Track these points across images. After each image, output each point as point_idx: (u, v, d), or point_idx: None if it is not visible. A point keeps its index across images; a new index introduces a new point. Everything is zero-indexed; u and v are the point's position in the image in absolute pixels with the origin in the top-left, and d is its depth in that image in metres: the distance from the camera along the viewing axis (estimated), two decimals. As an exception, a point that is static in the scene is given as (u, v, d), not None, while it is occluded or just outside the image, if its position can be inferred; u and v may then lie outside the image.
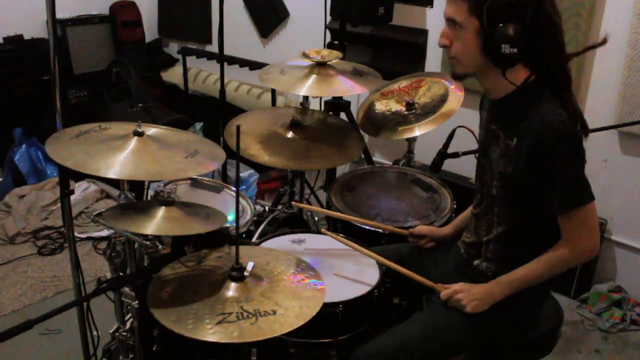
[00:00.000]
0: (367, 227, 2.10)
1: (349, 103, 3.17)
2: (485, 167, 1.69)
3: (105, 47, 4.32)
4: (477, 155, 2.18)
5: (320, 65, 2.27)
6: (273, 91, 3.86)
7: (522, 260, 1.61)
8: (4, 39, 3.90)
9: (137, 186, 2.23)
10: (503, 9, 1.45)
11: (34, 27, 3.99)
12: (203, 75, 4.47)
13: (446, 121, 2.28)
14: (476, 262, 1.73)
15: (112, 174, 1.51)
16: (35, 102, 3.86)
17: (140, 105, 3.69)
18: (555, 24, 1.51)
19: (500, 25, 1.44)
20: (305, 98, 2.50)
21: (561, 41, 1.53)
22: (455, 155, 2.29)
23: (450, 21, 1.54)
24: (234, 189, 2.30)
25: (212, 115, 3.60)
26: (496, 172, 1.61)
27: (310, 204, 3.03)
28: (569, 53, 1.56)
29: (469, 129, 2.18)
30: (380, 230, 2.09)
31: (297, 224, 2.45)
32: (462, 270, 1.77)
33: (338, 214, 2.13)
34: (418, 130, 2.31)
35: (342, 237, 1.88)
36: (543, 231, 1.60)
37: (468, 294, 1.64)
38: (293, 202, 2.56)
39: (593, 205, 1.52)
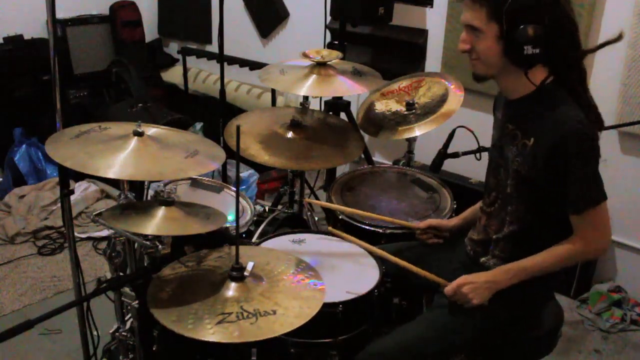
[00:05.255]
0: (368, 227, 2.10)
1: (349, 103, 3.17)
2: (500, 166, 1.69)
3: (105, 47, 4.32)
4: (477, 155, 2.20)
5: (320, 65, 2.26)
6: (273, 91, 3.87)
7: None
8: (4, 39, 3.90)
9: (137, 186, 2.23)
10: (522, 11, 1.45)
11: (34, 27, 3.99)
12: (203, 75, 4.47)
13: (446, 121, 2.28)
14: (483, 259, 1.73)
15: (112, 174, 1.51)
16: (35, 102, 3.86)
17: (140, 105, 3.68)
18: (572, 21, 1.52)
19: (521, 27, 1.45)
20: (305, 98, 2.50)
21: (578, 38, 1.54)
22: (455, 155, 2.29)
23: (469, 27, 1.54)
24: (234, 189, 2.30)
25: (212, 115, 3.61)
26: (511, 171, 1.62)
27: (310, 204, 3.03)
28: (585, 49, 1.57)
29: (469, 129, 2.18)
30: (381, 230, 2.09)
31: (297, 224, 2.45)
32: (468, 267, 1.77)
33: (351, 210, 2.11)
34: (418, 130, 2.31)
35: (348, 235, 1.88)
36: (553, 230, 1.60)
37: (473, 287, 1.63)
38: (306, 200, 2.57)
39: (606, 204, 1.53)
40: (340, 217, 2.19)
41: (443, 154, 2.30)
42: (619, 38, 1.57)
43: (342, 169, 3.04)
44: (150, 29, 4.68)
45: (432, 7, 3.32)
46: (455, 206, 2.28)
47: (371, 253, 1.89)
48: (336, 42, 3.13)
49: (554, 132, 1.49)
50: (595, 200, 1.52)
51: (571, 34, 1.52)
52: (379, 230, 2.10)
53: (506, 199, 1.66)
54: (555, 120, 1.50)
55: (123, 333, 1.80)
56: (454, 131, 2.25)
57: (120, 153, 1.57)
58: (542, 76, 1.56)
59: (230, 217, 1.93)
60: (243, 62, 4.23)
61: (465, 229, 1.88)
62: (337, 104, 3.15)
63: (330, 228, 1.92)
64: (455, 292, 1.65)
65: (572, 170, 1.49)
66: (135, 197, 1.78)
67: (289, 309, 1.40)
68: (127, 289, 1.70)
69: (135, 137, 1.63)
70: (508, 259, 1.68)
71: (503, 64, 1.54)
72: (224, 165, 3.08)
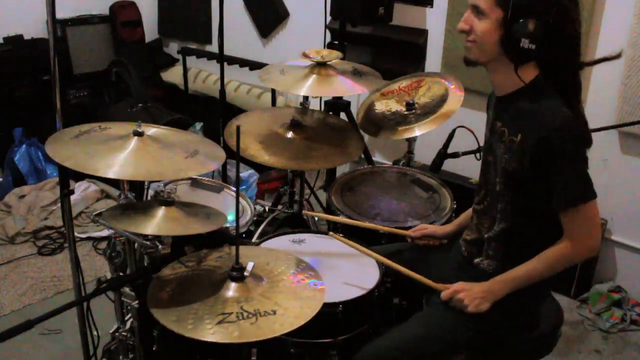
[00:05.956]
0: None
1: (349, 103, 3.17)
2: (490, 164, 1.69)
3: (105, 47, 4.32)
4: (477, 155, 2.20)
5: (320, 65, 2.27)
6: (273, 91, 3.87)
7: (523, 258, 1.61)
8: (4, 39, 3.90)
9: (137, 186, 2.23)
10: (529, 4, 1.46)
11: (34, 27, 3.99)
12: (203, 75, 4.47)
13: (446, 121, 2.28)
14: (477, 260, 1.73)
15: (112, 174, 1.51)
16: (35, 102, 3.86)
17: (140, 105, 3.68)
18: (576, 30, 1.52)
19: (523, 19, 1.45)
20: (305, 98, 2.50)
21: (578, 50, 1.54)
22: (455, 155, 2.29)
23: (474, 7, 1.54)
24: (234, 189, 2.30)
25: (212, 115, 3.60)
26: (500, 169, 1.62)
27: (310, 204, 3.03)
28: (583, 62, 1.58)
29: (469, 129, 2.18)
30: (381, 231, 2.09)
31: (297, 224, 2.45)
32: (463, 268, 1.78)
33: (348, 220, 2.11)
34: (418, 130, 2.31)
35: (348, 240, 1.87)
36: (545, 229, 1.60)
37: (469, 294, 1.64)
38: (305, 212, 2.57)
39: (595, 203, 1.53)
40: (339, 215, 2.19)
41: (443, 154, 2.30)
42: (618, 56, 1.59)
43: (342, 169, 3.04)
44: (150, 29, 4.68)
45: (432, 7, 3.32)
46: (455, 206, 2.29)
47: (371, 257, 1.88)
48: (336, 42, 3.13)
49: (541, 128, 1.49)
50: (583, 198, 1.51)
51: (572, 42, 1.52)
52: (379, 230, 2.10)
53: (495, 197, 1.66)
54: (542, 116, 1.50)
55: (123, 333, 1.80)
56: (454, 131, 2.25)
57: (120, 153, 1.57)
58: (532, 75, 1.56)
59: (230, 217, 1.93)
60: (243, 62, 4.23)
61: (460, 235, 1.88)
62: (337, 104, 3.15)
63: (331, 233, 1.92)
64: (452, 298, 1.66)
65: (559, 166, 1.49)
66: (135, 197, 1.78)
67: (289, 309, 1.40)
68: (127, 289, 1.71)
69: (135, 137, 1.63)
70: (501, 258, 1.68)
71: (497, 53, 1.54)
72: (224, 165, 3.08)
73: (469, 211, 1.92)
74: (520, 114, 1.56)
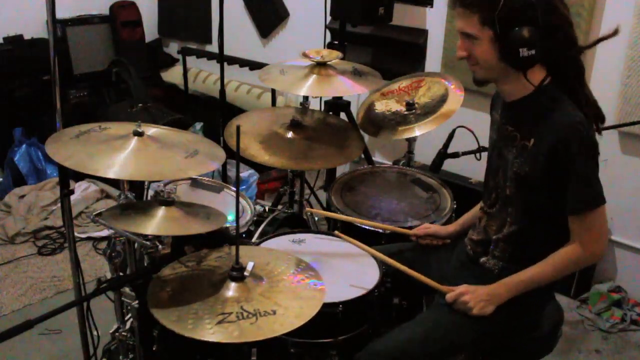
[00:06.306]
0: (368, 227, 2.09)
1: (349, 103, 3.17)
2: (499, 168, 1.69)
3: (105, 47, 4.32)
4: (477, 155, 2.20)
5: (320, 65, 2.26)
6: (273, 91, 3.87)
7: (530, 259, 1.62)
8: (4, 39, 3.90)
9: (137, 186, 2.23)
10: (514, 14, 1.45)
11: (34, 27, 3.99)
12: (203, 75, 4.47)
13: (446, 121, 2.28)
14: (483, 259, 1.73)
15: (112, 174, 1.51)
16: (35, 102, 3.86)
17: (140, 105, 3.69)
18: (566, 19, 1.52)
19: (515, 30, 1.45)
20: (305, 98, 2.50)
21: (573, 35, 1.54)
22: (455, 155, 2.29)
23: (464, 34, 1.55)
24: (234, 189, 2.30)
25: (212, 115, 3.60)
26: (511, 173, 1.62)
27: (310, 204, 3.03)
28: (581, 46, 1.57)
29: (469, 129, 2.18)
30: (381, 231, 2.09)
31: (297, 224, 2.45)
32: (468, 267, 1.78)
33: (349, 218, 2.11)
34: (418, 130, 2.31)
35: (353, 239, 1.87)
36: (553, 232, 1.60)
37: (474, 296, 1.63)
38: (307, 209, 2.57)
39: (604, 209, 1.53)
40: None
41: (443, 154, 2.30)
42: (614, 33, 1.57)
43: (342, 169, 3.04)
44: (150, 29, 4.68)
45: (432, 7, 3.32)
46: (455, 206, 2.28)
47: (375, 257, 1.88)
48: (336, 42, 3.13)
49: (554, 133, 1.49)
50: (594, 203, 1.52)
51: (566, 32, 1.52)
52: (379, 230, 2.10)
53: (506, 201, 1.66)
54: (555, 121, 1.50)
55: (123, 333, 1.80)
56: (454, 131, 2.25)
57: (120, 153, 1.57)
58: (541, 76, 1.56)
59: (230, 217, 1.93)
60: (243, 62, 4.23)
61: (463, 234, 1.88)
62: (337, 104, 3.15)
63: (337, 232, 1.92)
64: (456, 300, 1.66)
65: (572, 171, 1.49)
66: (135, 197, 1.78)
67: (289, 309, 1.40)
68: (127, 289, 1.71)
69: (135, 137, 1.63)
70: (507, 259, 1.68)
71: (502, 68, 1.54)
72: (224, 165, 3.08)
73: (473, 211, 1.92)
74: (533, 118, 1.56)
